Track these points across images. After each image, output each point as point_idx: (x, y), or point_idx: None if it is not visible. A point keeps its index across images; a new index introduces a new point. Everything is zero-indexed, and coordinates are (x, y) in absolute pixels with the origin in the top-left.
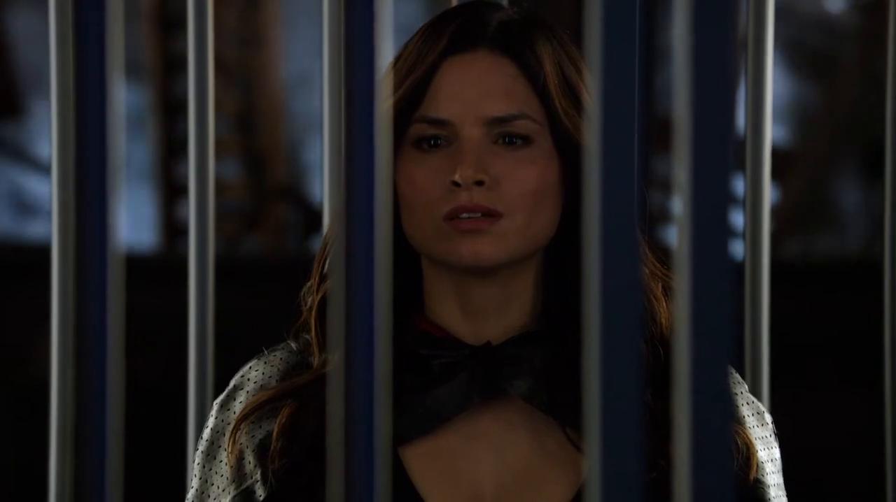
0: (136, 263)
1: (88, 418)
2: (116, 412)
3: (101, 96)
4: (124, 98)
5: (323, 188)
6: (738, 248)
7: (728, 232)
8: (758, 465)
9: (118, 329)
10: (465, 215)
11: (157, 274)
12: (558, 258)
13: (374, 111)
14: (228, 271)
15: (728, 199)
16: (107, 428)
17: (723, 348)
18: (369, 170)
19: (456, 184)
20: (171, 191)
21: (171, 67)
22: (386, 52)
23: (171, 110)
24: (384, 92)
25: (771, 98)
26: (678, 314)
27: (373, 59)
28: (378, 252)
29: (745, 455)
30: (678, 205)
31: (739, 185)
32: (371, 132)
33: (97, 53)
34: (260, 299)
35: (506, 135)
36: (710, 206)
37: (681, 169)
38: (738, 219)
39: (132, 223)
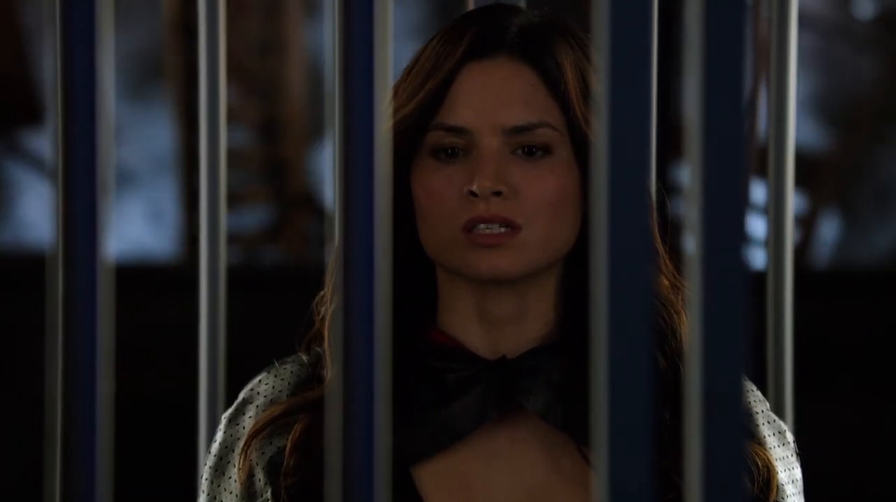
0: (156, 272)
1: (76, 428)
2: (106, 422)
3: (90, 103)
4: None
5: (334, 198)
6: (758, 256)
7: (743, 239)
8: (778, 487)
9: (108, 338)
10: (482, 226)
11: (179, 282)
12: (577, 268)
13: (373, 120)
14: (248, 281)
15: (743, 205)
16: (96, 439)
17: (737, 361)
18: (368, 181)
19: (473, 194)
20: (192, 199)
21: (192, 74)
22: (386, 59)
23: (192, 117)
24: (401, 97)
25: (794, 102)
26: (691, 325)
27: (371, 67)
28: (377, 263)
29: (766, 477)
30: (691, 211)
31: (760, 192)
32: (370, 141)
33: (86, 59)
34: (280, 309)
35: (525, 144)
36: (724, 213)
37: (693, 174)
38: (758, 226)
39: (153, 231)
